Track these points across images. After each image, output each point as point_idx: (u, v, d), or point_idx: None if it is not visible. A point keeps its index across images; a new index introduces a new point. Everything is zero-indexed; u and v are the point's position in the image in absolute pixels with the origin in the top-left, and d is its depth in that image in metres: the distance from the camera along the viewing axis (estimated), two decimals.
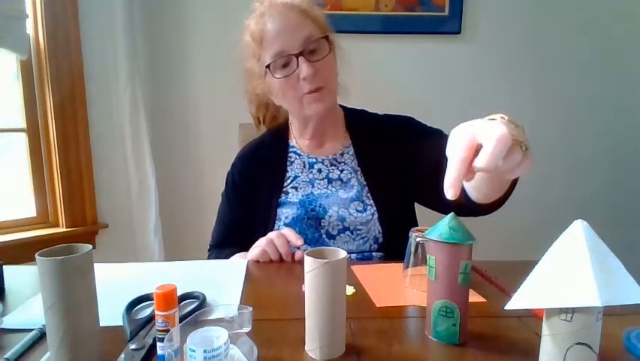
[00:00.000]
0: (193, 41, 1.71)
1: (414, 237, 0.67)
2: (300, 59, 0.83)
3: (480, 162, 0.44)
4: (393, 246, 0.89)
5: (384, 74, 1.76)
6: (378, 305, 0.60)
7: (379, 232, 0.89)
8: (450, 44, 1.76)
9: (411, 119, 0.98)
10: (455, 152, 0.45)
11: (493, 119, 0.50)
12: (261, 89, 0.94)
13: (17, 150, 1.56)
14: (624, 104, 1.87)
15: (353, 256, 0.89)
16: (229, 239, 0.97)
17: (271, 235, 0.80)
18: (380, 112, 1.03)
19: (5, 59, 1.49)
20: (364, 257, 0.89)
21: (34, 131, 1.56)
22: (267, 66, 0.86)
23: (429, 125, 0.96)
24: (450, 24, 1.73)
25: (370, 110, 1.03)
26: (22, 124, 1.54)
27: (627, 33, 1.82)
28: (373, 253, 0.90)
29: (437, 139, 0.73)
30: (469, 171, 0.46)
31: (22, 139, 1.55)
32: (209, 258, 0.97)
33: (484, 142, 0.44)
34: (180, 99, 1.75)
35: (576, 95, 1.84)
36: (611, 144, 1.88)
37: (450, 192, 0.45)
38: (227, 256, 0.90)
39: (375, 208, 0.90)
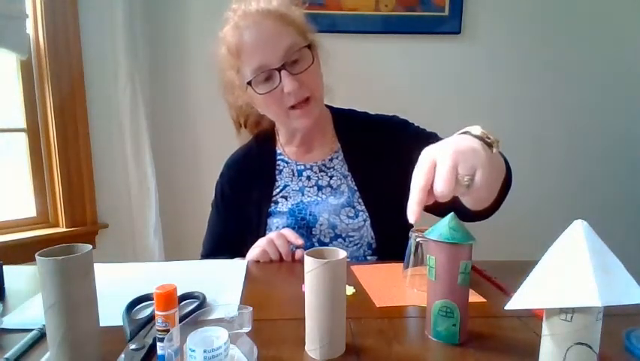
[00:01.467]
0: (193, 41, 1.71)
1: (414, 237, 0.67)
2: (283, 72, 0.78)
3: (436, 189, 0.48)
4: (387, 251, 0.87)
5: (384, 74, 1.76)
6: (378, 305, 0.60)
7: (372, 238, 0.88)
8: (450, 44, 1.76)
9: (406, 122, 0.96)
10: (415, 180, 0.49)
11: (466, 132, 0.54)
12: (243, 100, 0.90)
13: (17, 150, 1.56)
14: (625, 104, 1.87)
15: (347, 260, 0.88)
16: (220, 249, 0.96)
17: (271, 235, 0.80)
18: (379, 112, 1.00)
19: (5, 59, 1.48)
20: (358, 261, 0.88)
21: (34, 131, 1.56)
22: (249, 82, 0.82)
23: (428, 125, 0.94)
24: (450, 24, 1.72)
25: (369, 111, 1.02)
26: (22, 124, 1.54)
27: (627, 33, 1.82)
28: (368, 258, 0.89)
29: (432, 142, 0.76)
30: (430, 197, 0.49)
31: (22, 139, 1.55)
32: None
33: (437, 170, 0.48)
34: (180, 99, 1.75)
35: (576, 95, 1.84)
36: (611, 144, 1.88)
37: (411, 218, 0.49)
38: None
39: (367, 214, 0.88)
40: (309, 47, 0.82)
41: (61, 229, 1.60)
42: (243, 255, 0.85)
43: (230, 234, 0.96)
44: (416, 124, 0.96)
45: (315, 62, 0.84)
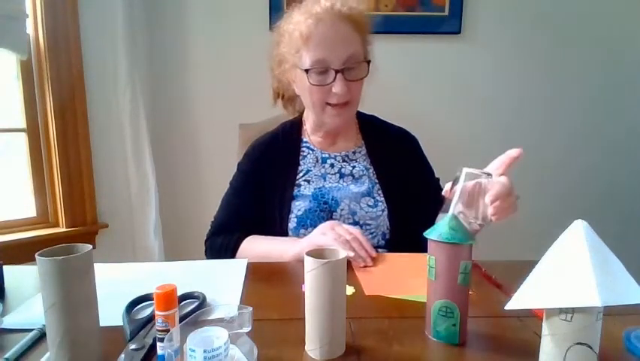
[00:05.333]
0: (193, 41, 1.71)
1: (464, 172, 0.64)
2: (338, 75, 0.85)
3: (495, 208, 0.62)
4: (398, 243, 0.92)
5: (384, 74, 1.76)
6: (367, 293, 0.60)
7: (387, 228, 0.92)
8: (450, 44, 1.76)
9: (415, 140, 1.04)
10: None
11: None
12: (287, 77, 0.96)
13: (17, 150, 1.56)
14: (625, 104, 1.87)
15: None
16: (237, 224, 0.96)
17: (343, 232, 0.77)
18: (378, 111, 1.05)
19: (5, 59, 1.48)
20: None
21: (34, 131, 1.55)
22: (306, 70, 0.87)
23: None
24: (450, 24, 1.72)
25: (369, 112, 1.05)
26: (22, 124, 1.54)
27: (627, 33, 1.81)
28: (379, 250, 0.91)
29: (426, 170, 1.02)
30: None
31: (22, 139, 1.55)
32: (211, 245, 0.96)
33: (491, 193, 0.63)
34: (180, 99, 1.75)
35: (576, 95, 1.84)
36: (611, 144, 1.88)
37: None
38: (239, 239, 0.90)
39: (385, 205, 0.92)
40: (368, 63, 0.90)
41: (61, 229, 1.60)
42: (253, 233, 0.89)
43: (246, 210, 0.97)
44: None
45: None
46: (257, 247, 0.89)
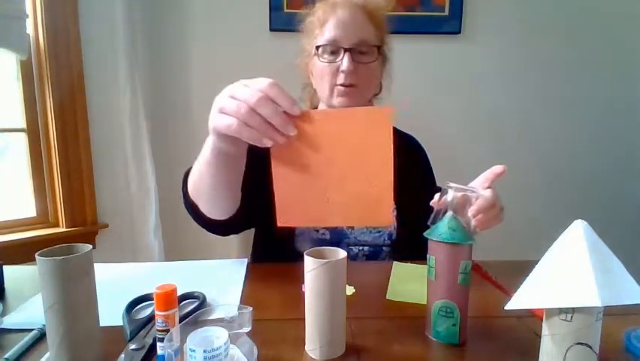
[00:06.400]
0: (193, 41, 1.71)
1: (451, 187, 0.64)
2: (347, 54, 0.88)
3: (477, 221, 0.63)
4: (403, 244, 0.93)
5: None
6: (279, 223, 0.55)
7: (394, 228, 0.94)
8: (450, 44, 1.76)
9: (423, 149, 1.09)
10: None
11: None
12: (307, 65, 0.99)
13: (17, 150, 1.56)
14: (624, 104, 1.87)
15: (366, 248, 0.93)
16: None
17: (246, 95, 0.56)
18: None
19: (5, 59, 1.48)
20: (375, 251, 0.93)
21: (34, 131, 1.55)
22: (317, 47, 0.91)
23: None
24: (450, 24, 1.72)
25: None
26: (22, 124, 1.54)
27: (627, 33, 1.81)
28: (384, 248, 0.93)
29: (430, 178, 1.07)
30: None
31: (22, 139, 1.55)
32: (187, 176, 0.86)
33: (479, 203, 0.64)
34: (180, 99, 1.75)
35: (576, 95, 1.83)
36: (611, 144, 1.88)
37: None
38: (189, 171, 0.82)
39: (394, 205, 0.93)
40: (379, 49, 0.94)
41: (61, 229, 1.60)
42: (254, 217, 0.87)
43: (246, 185, 0.83)
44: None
45: (377, 63, 0.95)
46: (194, 170, 0.80)
